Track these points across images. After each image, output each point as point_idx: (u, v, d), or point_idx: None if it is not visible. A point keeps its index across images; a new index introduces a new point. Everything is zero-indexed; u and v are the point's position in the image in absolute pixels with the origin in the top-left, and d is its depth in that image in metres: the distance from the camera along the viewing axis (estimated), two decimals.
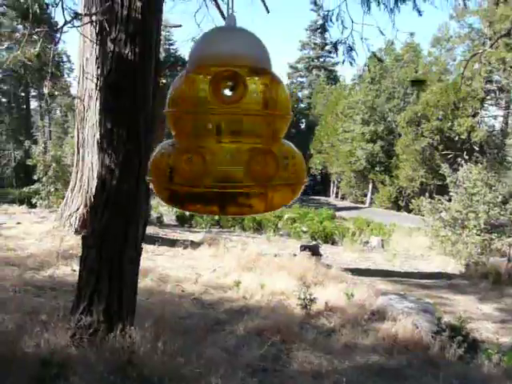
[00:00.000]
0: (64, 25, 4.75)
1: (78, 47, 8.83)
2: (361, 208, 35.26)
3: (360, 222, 20.75)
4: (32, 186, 14.79)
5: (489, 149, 30.80)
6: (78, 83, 8.87)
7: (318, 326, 5.17)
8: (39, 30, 5.33)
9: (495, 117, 32.98)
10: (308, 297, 5.50)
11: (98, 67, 6.99)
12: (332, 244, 15.27)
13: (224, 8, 6.55)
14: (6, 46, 6.17)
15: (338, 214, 25.21)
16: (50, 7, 6.53)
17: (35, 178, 14.59)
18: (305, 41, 51.15)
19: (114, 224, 3.48)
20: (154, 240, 8.65)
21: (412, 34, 37.44)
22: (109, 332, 3.27)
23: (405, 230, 18.79)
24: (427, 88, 31.37)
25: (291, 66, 52.75)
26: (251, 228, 16.03)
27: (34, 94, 38.26)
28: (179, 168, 1.23)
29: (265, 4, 6.57)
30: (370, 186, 39.31)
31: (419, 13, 6.28)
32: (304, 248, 10.00)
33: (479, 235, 11.82)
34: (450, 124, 30.50)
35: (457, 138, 30.51)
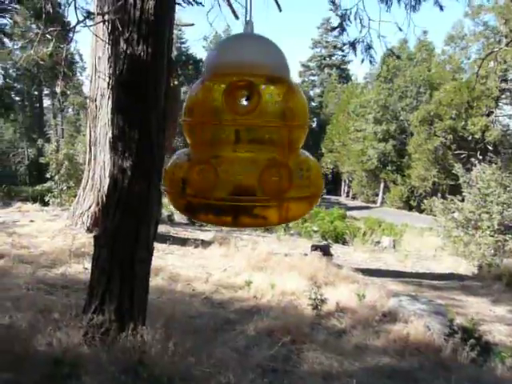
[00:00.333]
0: (77, 24, 4.77)
1: (90, 46, 8.89)
2: (372, 208, 35.09)
3: (371, 221, 20.65)
4: (45, 184, 14.94)
5: (503, 148, 30.42)
6: (91, 82, 8.92)
7: (329, 326, 5.14)
8: (52, 29, 5.36)
9: (510, 116, 32.55)
10: (319, 297, 5.47)
11: (110, 66, 7.02)
12: (343, 244, 15.20)
13: (236, 7, 6.54)
14: (20, 45, 6.22)
15: (348, 213, 25.11)
16: (63, 7, 6.59)
17: (48, 176, 14.72)
18: (317, 39, 51.01)
19: (125, 224, 3.49)
20: (165, 239, 8.68)
21: (425, 32, 37.18)
22: (120, 331, 3.28)
23: (416, 230, 18.66)
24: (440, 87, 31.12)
25: (303, 65, 52.64)
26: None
27: (46, 92, 38.60)
28: (191, 179, 1.21)
29: (277, 2, 6.53)
30: (382, 185, 39.09)
31: (441, 8, 6.17)
32: (315, 248, 9.97)
33: (492, 236, 11.68)
34: (463, 123, 30.21)
35: (470, 138, 30.22)
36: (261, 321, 4.88)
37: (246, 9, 1.29)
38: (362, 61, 6.48)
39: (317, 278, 6.99)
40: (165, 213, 13.85)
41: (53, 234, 8.14)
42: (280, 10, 6.38)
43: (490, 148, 29.78)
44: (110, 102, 6.71)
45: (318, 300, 5.45)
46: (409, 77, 37.12)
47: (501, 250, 11.62)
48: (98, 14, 6.57)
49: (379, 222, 20.77)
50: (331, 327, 5.12)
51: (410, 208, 34.84)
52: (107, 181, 3.94)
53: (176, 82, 8.20)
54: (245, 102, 1.20)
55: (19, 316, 3.73)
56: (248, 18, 1.29)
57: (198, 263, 7.68)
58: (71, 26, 5.43)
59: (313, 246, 10.48)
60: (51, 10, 5.05)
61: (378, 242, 15.49)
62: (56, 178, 14.14)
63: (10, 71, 31.91)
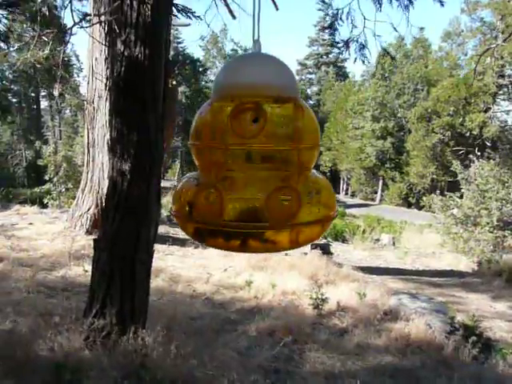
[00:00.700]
0: (73, 26, 4.74)
1: (87, 47, 8.86)
2: (371, 205, 35.10)
3: (370, 219, 20.67)
4: (43, 187, 14.90)
5: (501, 144, 30.44)
6: (88, 83, 8.89)
7: (330, 326, 5.14)
8: (48, 31, 5.34)
9: (508, 112, 32.56)
10: (320, 296, 5.46)
11: (107, 67, 7.00)
12: (342, 242, 15.20)
13: (233, 7, 6.52)
14: (16, 47, 6.18)
15: (348, 211, 25.09)
16: (59, 9, 6.56)
17: (46, 178, 14.69)
18: (313, 37, 50.93)
19: (125, 227, 3.47)
20: (164, 240, 8.66)
21: (422, 29, 37.19)
22: (122, 335, 3.27)
23: (416, 227, 18.67)
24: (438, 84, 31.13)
25: (300, 63, 52.59)
26: None
27: (43, 93, 38.54)
28: (198, 204, 1.19)
29: (274, 1, 6.52)
30: (380, 182, 39.11)
31: (441, 3, 6.09)
32: (315, 246, 9.96)
33: (492, 232, 11.70)
34: (461, 120, 30.22)
35: (468, 134, 30.23)
36: (262, 321, 4.88)
37: (254, 27, 1.25)
38: (355, 60, 6.41)
39: (317, 277, 6.99)
40: (164, 213, 13.82)
41: (52, 237, 8.13)
42: (277, 9, 6.37)
43: (488, 144, 29.83)
44: (107, 104, 6.69)
45: (319, 299, 5.44)
46: (406, 74, 37.13)
47: (500, 246, 11.65)
48: (94, 15, 6.54)
49: (378, 219, 20.78)
50: (333, 326, 5.11)
51: (409, 205, 34.88)
52: (106, 182, 3.92)
53: (174, 83, 8.18)
54: (252, 125, 1.16)
55: (20, 320, 3.71)
56: (256, 37, 1.25)
57: (198, 264, 7.67)
58: (67, 28, 5.40)
59: (313, 244, 10.46)
60: (47, 13, 5.03)
61: (378, 240, 15.49)
62: (54, 180, 14.11)
63: (7, 73, 31.84)
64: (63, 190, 13.95)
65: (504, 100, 32.51)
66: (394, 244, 15.04)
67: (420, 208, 26.41)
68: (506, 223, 11.92)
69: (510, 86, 31.03)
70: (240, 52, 44.92)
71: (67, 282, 5.69)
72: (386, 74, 37.73)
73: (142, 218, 3.55)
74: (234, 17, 6.44)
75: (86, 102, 9.17)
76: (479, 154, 24.75)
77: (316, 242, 11.47)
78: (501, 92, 31.62)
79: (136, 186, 3.46)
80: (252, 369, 3.76)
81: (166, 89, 3.83)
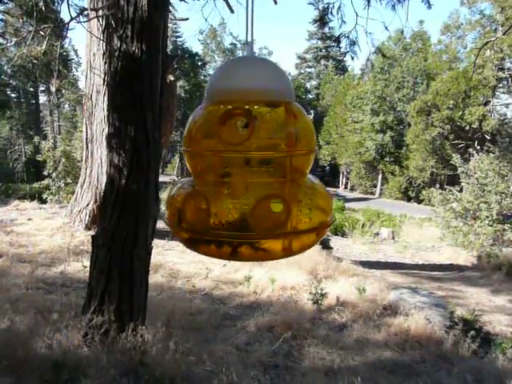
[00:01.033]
0: (70, 21, 4.71)
1: (85, 42, 8.80)
2: (370, 199, 35.07)
3: (370, 213, 20.65)
4: (42, 182, 14.85)
5: (501, 138, 30.35)
6: (86, 78, 8.84)
7: (330, 321, 5.14)
8: (45, 26, 5.30)
9: (507, 105, 32.48)
10: (319, 291, 5.46)
11: (105, 62, 6.96)
12: (342, 236, 15.20)
13: (231, 1, 6.47)
14: (13, 42, 6.14)
15: (347, 205, 25.06)
16: (56, 3, 6.51)
17: (45, 173, 14.64)
18: (312, 31, 50.68)
19: (123, 223, 3.46)
20: (163, 235, 8.64)
21: (421, 22, 37.03)
22: (120, 332, 3.26)
23: (415, 221, 18.66)
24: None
25: (299, 57, 52.39)
26: None
27: (42, 88, 38.40)
28: (186, 212, 1.16)
29: None
30: (380, 176, 39.07)
31: (429, 5, 6.09)
32: None
33: (491, 226, 11.69)
34: (460, 113, 30.12)
35: (468, 128, 30.16)
36: (261, 316, 4.88)
37: (247, 29, 1.21)
38: (345, 54, 6.39)
39: (317, 271, 6.98)
40: (162, 208, 13.82)
41: (51, 232, 8.11)
42: (275, 3, 6.32)
43: (488, 137, 29.70)
44: (105, 99, 6.66)
45: (319, 294, 5.44)
46: (405, 67, 36.99)
47: (500, 239, 11.64)
48: (91, 9, 6.49)
49: (378, 213, 20.76)
50: (332, 322, 5.11)
51: (409, 199, 34.87)
52: (105, 178, 3.90)
53: (172, 78, 8.14)
54: (241, 131, 1.12)
55: (19, 318, 3.70)
56: (249, 40, 1.21)
57: (197, 259, 7.65)
58: (65, 23, 5.37)
59: None
60: (43, 8, 4.99)
61: (377, 234, 15.50)
62: (53, 175, 14.07)
63: (5, 68, 31.71)
64: (62, 185, 13.91)
65: (504, 93, 32.41)
66: (393, 238, 15.04)
67: (419, 202, 26.42)
68: (505, 217, 11.91)
69: (509, 79, 30.92)
70: (239, 46, 44.81)
71: (66, 277, 5.69)
72: (385, 68, 37.50)
73: (140, 214, 3.53)
74: (232, 11, 6.40)
75: (84, 97, 9.13)
76: (479, 147, 24.67)
77: None
78: (500, 85, 31.52)
79: (134, 181, 3.44)
80: (251, 364, 3.77)
81: (163, 84, 3.81)
